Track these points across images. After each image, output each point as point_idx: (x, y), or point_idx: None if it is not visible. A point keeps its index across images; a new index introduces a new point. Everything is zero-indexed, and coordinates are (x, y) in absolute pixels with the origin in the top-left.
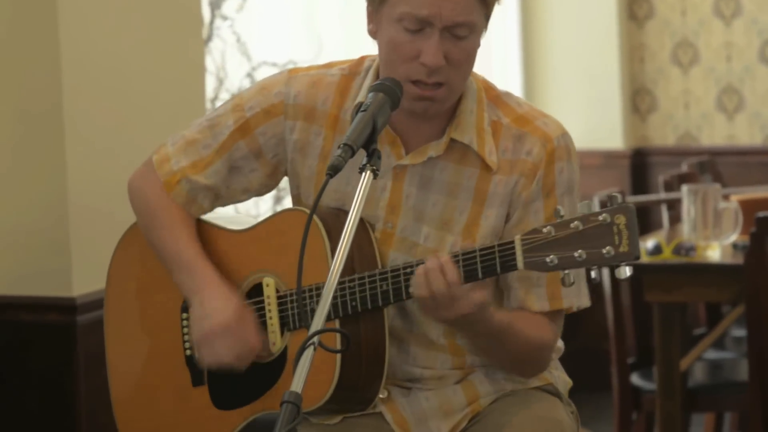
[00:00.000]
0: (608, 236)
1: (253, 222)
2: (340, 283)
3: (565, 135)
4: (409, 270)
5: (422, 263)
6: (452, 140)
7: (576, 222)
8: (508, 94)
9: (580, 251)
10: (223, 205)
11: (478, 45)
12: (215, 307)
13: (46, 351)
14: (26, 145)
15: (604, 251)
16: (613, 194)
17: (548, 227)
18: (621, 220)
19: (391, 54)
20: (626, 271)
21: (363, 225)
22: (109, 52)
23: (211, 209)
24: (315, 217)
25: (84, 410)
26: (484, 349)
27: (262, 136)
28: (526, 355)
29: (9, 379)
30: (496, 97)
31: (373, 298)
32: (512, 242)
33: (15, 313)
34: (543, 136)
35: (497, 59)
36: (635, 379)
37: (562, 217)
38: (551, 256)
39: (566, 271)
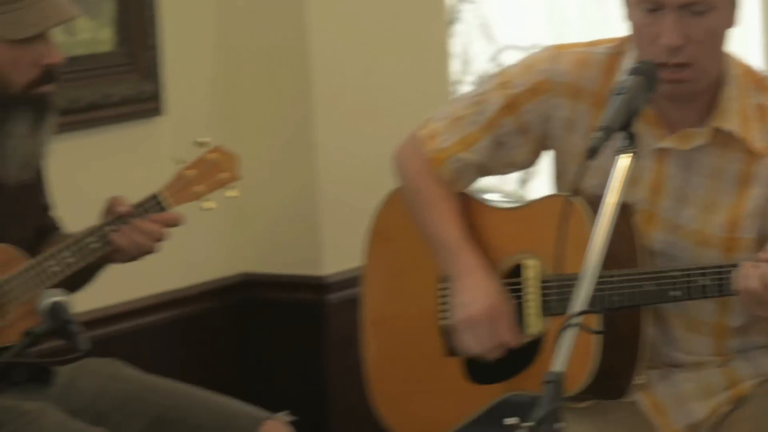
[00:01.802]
0: None
1: (515, 202)
2: (607, 277)
3: None
4: (725, 269)
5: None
6: (716, 129)
7: None
8: None
9: None
10: (485, 177)
11: (724, 23)
12: (475, 297)
13: (297, 329)
14: (277, 128)
15: None
16: None
17: None
18: None
19: (637, 38)
20: None
21: (624, 210)
22: (355, 37)
23: (472, 184)
24: (580, 201)
25: (335, 388)
26: None
27: (528, 113)
28: None
29: (262, 354)
30: (759, 81)
31: (647, 295)
32: None
33: (266, 292)
34: None
35: (738, 41)
36: None
37: None
38: None
39: None
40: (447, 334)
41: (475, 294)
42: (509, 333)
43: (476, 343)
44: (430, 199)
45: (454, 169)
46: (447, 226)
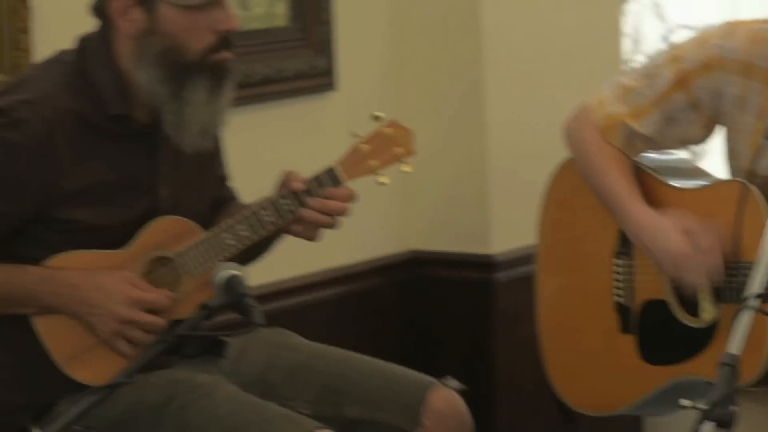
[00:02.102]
0: None
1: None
2: None
3: None
4: None
5: None
6: None
7: None
8: None
9: None
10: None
11: None
12: (667, 236)
13: (464, 307)
14: (447, 105)
15: None
16: None
17: None
18: None
19: None
20: None
21: None
22: (528, 14)
23: (641, 153)
24: (754, 189)
25: (501, 367)
26: None
27: (700, 89)
28: None
29: (429, 331)
30: None
31: None
32: None
33: (434, 269)
34: None
35: None
36: None
37: None
38: None
39: None
40: (622, 310)
41: (666, 233)
42: (717, 249)
43: (698, 274)
44: (603, 162)
45: (623, 136)
46: (621, 185)
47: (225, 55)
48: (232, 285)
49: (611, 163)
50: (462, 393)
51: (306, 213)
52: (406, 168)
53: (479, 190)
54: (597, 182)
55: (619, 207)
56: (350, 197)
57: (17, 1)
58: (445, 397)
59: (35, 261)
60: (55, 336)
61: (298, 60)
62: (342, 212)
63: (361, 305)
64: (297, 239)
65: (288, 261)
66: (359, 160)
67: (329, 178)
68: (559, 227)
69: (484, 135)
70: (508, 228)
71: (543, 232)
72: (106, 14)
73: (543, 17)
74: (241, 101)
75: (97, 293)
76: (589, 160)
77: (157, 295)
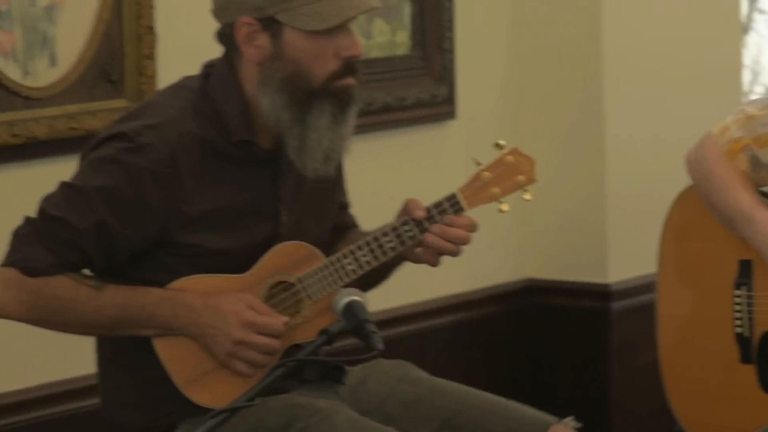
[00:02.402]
0: None
1: None
2: None
3: None
4: None
5: None
6: None
7: None
8: None
9: None
10: None
11: None
12: None
13: (579, 336)
14: (565, 132)
15: None
16: None
17: None
18: None
19: None
20: None
21: None
22: (649, 44)
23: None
24: None
25: (615, 396)
26: None
27: None
28: None
29: (543, 360)
30: None
31: None
32: None
33: (551, 297)
34: None
35: None
36: None
37: None
38: None
39: None
40: (742, 341)
41: None
42: None
43: None
44: (726, 176)
45: (748, 158)
46: (745, 200)
47: (349, 81)
48: (352, 310)
49: (736, 180)
50: (579, 430)
51: (428, 238)
52: (527, 196)
53: (597, 218)
54: (721, 197)
55: (744, 217)
56: (472, 226)
57: (143, 28)
58: None
59: (158, 284)
60: (175, 359)
61: (419, 88)
62: (464, 240)
63: (477, 333)
64: (416, 266)
65: (406, 288)
66: (481, 188)
67: (451, 205)
68: (679, 257)
69: (602, 162)
70: (626, 256)
71: (663, 262)
72: (232, 40)
73: (664, 48)
74: (362, 129)
75: (214, 315)
76: (713, 178)
77: (270, 319)
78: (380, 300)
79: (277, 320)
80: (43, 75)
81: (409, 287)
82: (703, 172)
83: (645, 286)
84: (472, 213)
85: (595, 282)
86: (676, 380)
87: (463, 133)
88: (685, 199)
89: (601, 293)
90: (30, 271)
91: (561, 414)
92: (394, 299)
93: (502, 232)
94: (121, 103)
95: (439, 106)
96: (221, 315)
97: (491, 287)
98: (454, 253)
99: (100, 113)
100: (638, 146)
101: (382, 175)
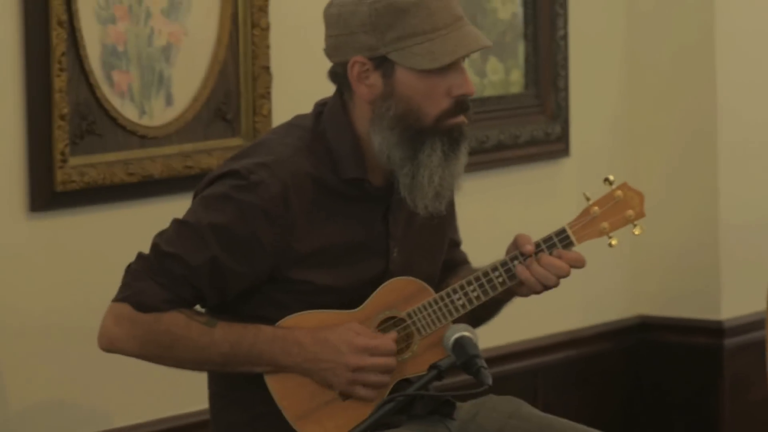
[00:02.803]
0: None
1: None
2: None
3: None
4: None
5: None
6: None
7: None
8: None
9: None
10: None
11: None
12: None
13: (692, 373)
14: (678, 167)
15: None
16: None
17: None
18: None
19: None
20: None
21: None
22: (763, 72)
23: None
24: None
25: None
26: None
27: None
28: None
29: (656, 397)
30: None
31: None
32: None
33: (663, 334)
34: None
35: None
36: None
37: None
38: None
39: None
40: None
41: None
42: None
43: None
44: None
45: None
46: None
47: (460, 119)
48: (462, 345)
49: None
50: None
51: (523, 271)
52: (637, 231)
53: (709, 253)
54: None
55: None
56: (579, 261)
57: (259, 68)
58: None
59: (269, 320)
60: (287, 394)
61: (533, 126)
62: (564, 274)
63: (589, 369)
64: (529, 302)
65: (519, 324)
66: (590, 223)
67: (560, 240)
68: None
69: (715, 198)
70: (739, 293)
71: None
72: (344, 79)
73: None
74: (476, 167)
75: (325, 348)
76: None
77: (381, 340)
78: (493, 336)
79: (386, 339)
80: (159, 114)
81: (522, 323)
82: None
83: (759, 323)
84: (585, 249)
85: (707, 318)
86: None
87: (576, 170)
88: None
89: (714, 330)
90: (142, 307)
91: None
92: (507, 335)
93: (614, 268)
94: (236, 141)
95: (552, 144)
96: (332, 346)
97: (603, 324)
98: (553, 285)
99: (215, 152)
100: (753, 180)
101: (495, 213)
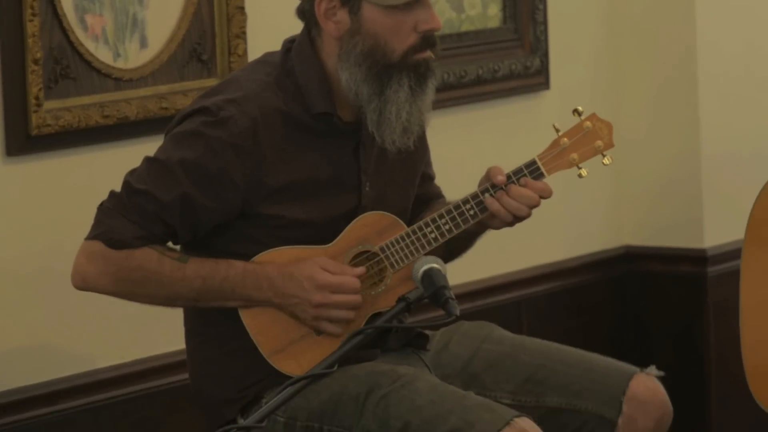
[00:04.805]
0: None
1: None
2: None
3: None
4: None
5: None
6: None
7: None
8: None
9: None
10: None
11: None
12: None
13: (676, 301)
14: (659, 98)
15: None
16: None
17: None
18: None
19: None
20: None
21: None
22: (742, 2)
23: None
24: None
25: (714, 359)
26: None
27: None
28: None
29: (640, 328)
30: None
31: None
32: None
33: (647, 264)
34: None
35: None
36: None
37: None
38: None
39: None
40: None
41: None
42: None
43: None
44: None
45: None
46: None
47: (427, 54)
48: (430, 277)
49: None
50: (671, 383)
51: (499, 196)
52: (606, 161)
53: (692, 182)
54: None
55: None
56: (545, 191)
57: (233, 8)
58: (647, 386)
59: (243, 256)
60: (261, 329)
61: (512, 60)
62: (530, 202)
63: (573, 301)
64: (512, 235)
65: (503, 257)
66: (559, 154)
67: (530, 171)
68: (764, 244)
69: (697, 128)
70: (722, 221)
71: (747, 249)
72: (312, 16)
73: (758, 7)
74: (455, 101)
75: (291, 283)
76: None
77: (344, 278)
78: (478, 269)
79: (350, 277)
80: (134, 57)
81: (507, 256)
82: None
83: (741, 251)
84: (569, 181)
85: (691, 247)
86: (758, 367)
87: (557, 103)
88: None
89: (698, 258)
90: (114, 244)
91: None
92: (492, 268)
93: (598, 200)
94: (211, 82)
95: (532, 78)
96: (297, 282)
97: (588, 255)
98: (525, 215)
99: (191, 93)
100: (733, 110)
101: (476, 147)
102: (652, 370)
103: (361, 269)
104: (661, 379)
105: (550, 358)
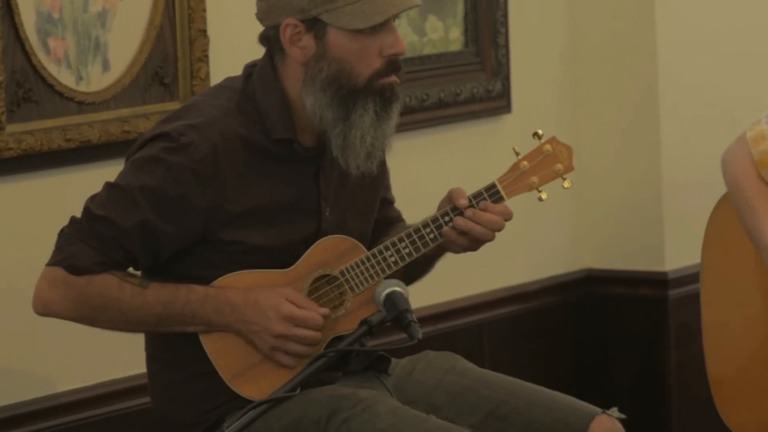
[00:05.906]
0: None
1: None
2: None
3: None
4: None
5: None
6: None
7: None
8: None
9: None
10: None
11: None
12: None
13: (638, 325)
14: (621, 123)
15: None
16: None
17: None
18: None
19: None
20: None
21: None
22: (704, 32)
23: None
24: None
25: (674, 382)
26: None
27: None
28: None
29: (602, 352)
30: None
31: None
32: None
33: (608, 287)
34: None
35: None
36: None
37: None
38: None
39: None
40: None
41: None
42: None
43: None
44: (754, 200)
45: None
46: (766, 227)
47: (392, 78)
48: (393, 301)
49: (762, 201)
50: (630, 419)
51: (459, 221)
52: (566, 184)
53: (653, 206)
54: (747, 218)
55: (762, 247)
56: (506, 214)
57: (196, 31)
58: (608, 427)
59: (203, 281)
60: (221, 354)
61: (473, 83)
62: (495, 226)
63: (535, 323)
64: (473, 258)
65: (464, 280)
66: (520, 177)
67: (490, 195)
68: (721, 258)
69: (658, 153)
70: (683, 244)
71: (705, 264)
72: (276, 42)
73: (719, 36)
74: (417, 125)
75: (254, 311)
76: (740, 193)
77: (309, 313)
78: (438, 292)
79: (315, 313)
80: (96, 80)
81: (468, 279)
82: (732, 183)
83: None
84: (529, 206)
85: (652, 270)
86: (723, 384)
87: (519, 127)
88: (723, 206)
89: (659, 281)
90: (75, 270)
91: (619, 403)
92: (453, 292)
93: (559, 223)
94: (174, 105)
95: (493, 101)
96: (261, 311)
97: (549, 278)
98: (487, 238)
99: (153, 116)
100: (694, 134)
101: (438, 170)
102: (614, 412)
103: (326, 309)
104: (622, 409)
105: (513, 394)
